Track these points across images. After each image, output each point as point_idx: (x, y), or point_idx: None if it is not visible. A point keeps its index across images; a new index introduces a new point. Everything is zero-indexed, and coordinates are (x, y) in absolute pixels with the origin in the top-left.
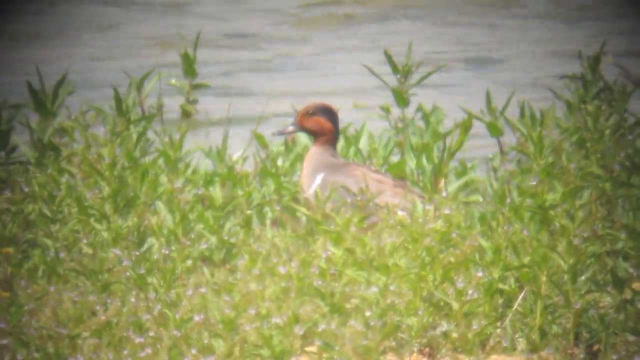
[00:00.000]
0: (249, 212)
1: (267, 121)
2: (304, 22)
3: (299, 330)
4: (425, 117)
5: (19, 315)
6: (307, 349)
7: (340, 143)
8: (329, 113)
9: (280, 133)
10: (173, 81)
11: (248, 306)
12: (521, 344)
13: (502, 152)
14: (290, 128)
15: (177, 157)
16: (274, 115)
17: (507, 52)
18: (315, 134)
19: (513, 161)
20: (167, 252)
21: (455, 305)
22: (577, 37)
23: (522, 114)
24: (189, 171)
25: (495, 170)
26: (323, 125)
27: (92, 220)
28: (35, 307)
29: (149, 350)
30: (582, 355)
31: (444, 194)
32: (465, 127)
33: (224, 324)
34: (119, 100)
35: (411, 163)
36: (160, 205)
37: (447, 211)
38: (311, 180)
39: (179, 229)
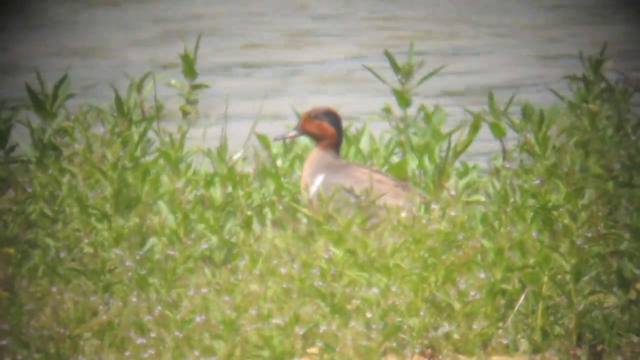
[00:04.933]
0: (249, 212)
1: (265, 120)
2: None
3: (300, 331)
4: (427, 117)
5: (19, 316)
6: (308, 350)
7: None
8: (332, 117)
9: (283, 137)
10: (173, 82)
11: (249, 307)
12: (523, 344)
13: (505, 152)
14: (293, 133)
15: (178, 157)
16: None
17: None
18: (317, 138)
19: (515, 161)
20: (169, 252)
21: (457, 306)
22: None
23: (524, 115)
24: (190, 172)
25: (497, 170)
26: (326, 129)
27: (93, 220)
28: (36, 308)
29: (151, 351)
30: (584, 356)
31: (452, 192)
32: (474, 127)
33: (225, 325)
34: (119, 100)
35: (413, 163)
36: (161, 205)
37: (453, 213)
38: (312, 181)
39: (180, 229)
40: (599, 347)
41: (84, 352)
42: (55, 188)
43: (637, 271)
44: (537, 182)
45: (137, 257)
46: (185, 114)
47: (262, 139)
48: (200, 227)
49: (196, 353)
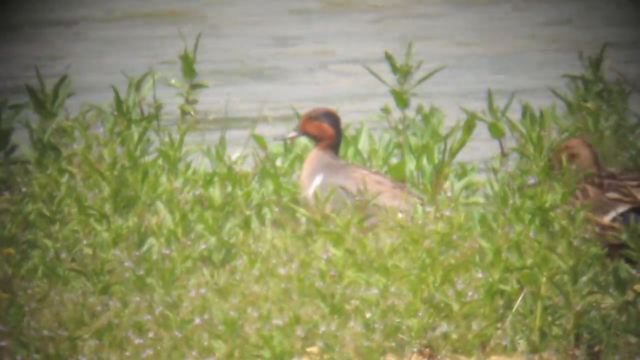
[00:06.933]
0: (248, 212)
1: (265, 121)
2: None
3: (299, 331)
4: (425, 118)
5: (18, 317)
6: (308, 349)
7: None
8: (331, 118)
9: (282, 138)
10: (173, 81)
11: (248, 307)
12: (521, 345)
13: (503, 153)
14: (292, 133)
15: (177, 157)
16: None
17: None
18: (317, 139)
19: (514, 162)
20: (167, 252)
21: (455, 307)
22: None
23: (524, 115)
24: (189, 171)
25: (495, 171)
26: (325, 130)
27: (92, 220)
28: (35, 308)
29: (149, 352)
30: (582, 357)
31: (448, 193)
32: (468, 127)
33: (225, 325)
34: (119, 100)
35: (411, 164)
36: (160, 205)
37: (447, 213)
38: (310, 181)
39: (178, 229)
40: (597, 348)
41: (83, 352)
42: (53, 188)
43: (633, 272)
44: (531, 181)
45: (134, 258)
46: (184, 113)
47: (259, 139)
48: (199, 227)
49: (194, 353)
